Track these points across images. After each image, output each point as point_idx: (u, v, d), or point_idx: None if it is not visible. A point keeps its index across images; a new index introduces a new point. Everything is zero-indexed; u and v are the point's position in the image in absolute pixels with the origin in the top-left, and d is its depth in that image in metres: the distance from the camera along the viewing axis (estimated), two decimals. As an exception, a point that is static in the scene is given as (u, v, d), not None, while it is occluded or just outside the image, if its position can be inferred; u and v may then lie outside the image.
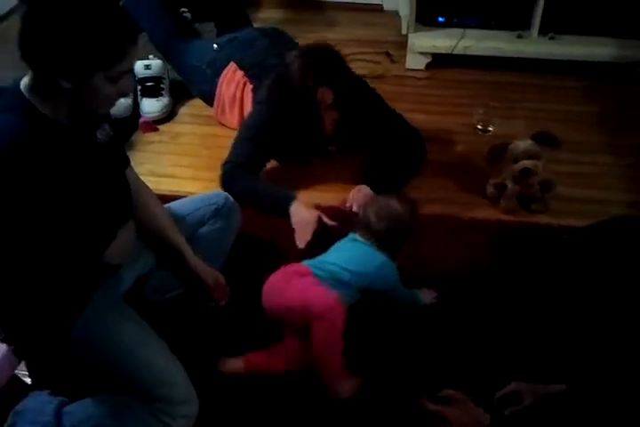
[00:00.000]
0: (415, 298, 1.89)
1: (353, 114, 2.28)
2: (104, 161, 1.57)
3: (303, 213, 2.14)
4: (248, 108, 2.49)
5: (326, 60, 2.19)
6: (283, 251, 2.11)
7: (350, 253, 1.84)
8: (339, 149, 2.46)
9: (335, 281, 1.76)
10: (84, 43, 1.29)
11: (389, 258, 1.83)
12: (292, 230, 2.15)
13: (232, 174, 2.26)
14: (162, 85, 2.78)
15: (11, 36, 1.35)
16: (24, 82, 1.40)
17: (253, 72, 2.52)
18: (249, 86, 2.52)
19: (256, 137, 2.30)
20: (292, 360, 1.74)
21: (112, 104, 1.48)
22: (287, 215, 2.16)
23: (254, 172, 2.30)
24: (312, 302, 1.67)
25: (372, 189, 2.20)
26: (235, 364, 1.75)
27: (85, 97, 1.39)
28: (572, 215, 2.22)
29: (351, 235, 1.89)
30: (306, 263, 1.82)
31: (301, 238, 2.11)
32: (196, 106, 2.83)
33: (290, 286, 1.75)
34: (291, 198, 2.19)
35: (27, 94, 1.39)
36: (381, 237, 1.83)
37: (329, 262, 1.80)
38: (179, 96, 2.86)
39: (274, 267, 1.83)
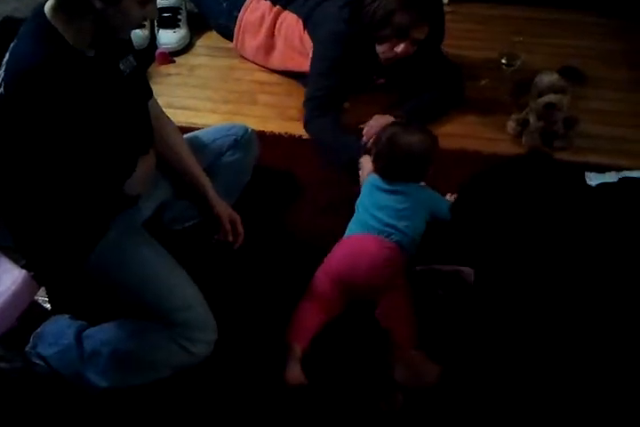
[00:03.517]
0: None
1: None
2: (127, 92, 1.54)
3: None
4: (285, 36, 2.43)
5: None
6: (300, 181, 2.11)
7: (402, 206, 1.79)
8: (387, 81, 2.40)
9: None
10: None
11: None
12: (311, 160, 2.15)
13: (314, 115, 2.24)
14: (179, 17, 2.72)
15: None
16: (49, 3, 1.36)
17: (284, 2, 2.44)
18: (285, 15, 2.43)
19: (331, 70, 2.25)
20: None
21: (134, 28, 1.46)
22: (355, 168, 2.09)
23: (336, 105, 2.27)
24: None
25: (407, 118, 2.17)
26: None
27: (112, 19, 1.35)
28: (595, 153, 2.18)
29: (378, 182, 1.85)
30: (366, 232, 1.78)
31: None
32: (213, 38, 2.77)
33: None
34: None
35: (50, 17, 1.35)
36: (404, 169, 1.81)
37: (388, 224, 1.77)
38: (196, 28, 2.80)
39: (292, 198, 1.80)
